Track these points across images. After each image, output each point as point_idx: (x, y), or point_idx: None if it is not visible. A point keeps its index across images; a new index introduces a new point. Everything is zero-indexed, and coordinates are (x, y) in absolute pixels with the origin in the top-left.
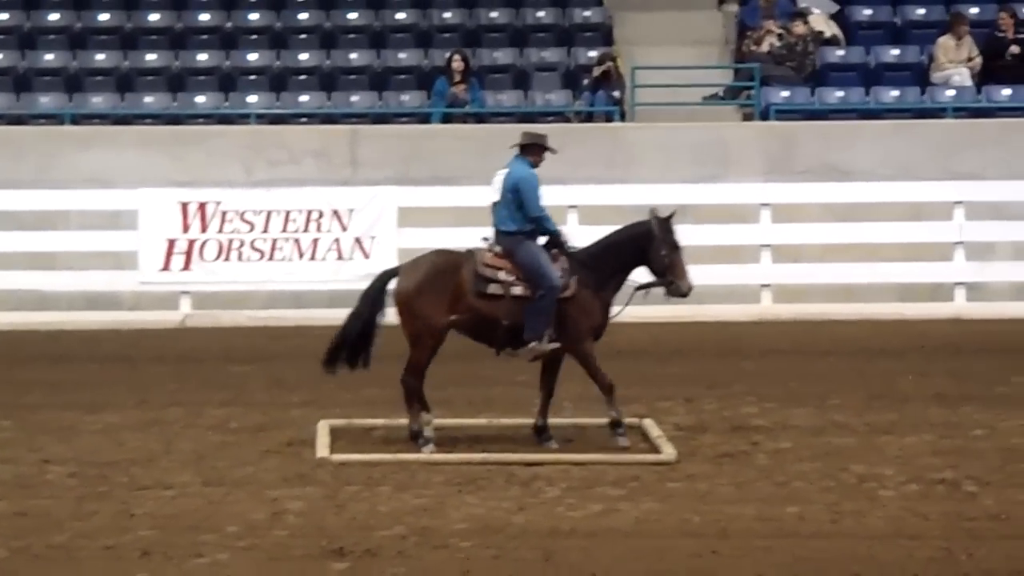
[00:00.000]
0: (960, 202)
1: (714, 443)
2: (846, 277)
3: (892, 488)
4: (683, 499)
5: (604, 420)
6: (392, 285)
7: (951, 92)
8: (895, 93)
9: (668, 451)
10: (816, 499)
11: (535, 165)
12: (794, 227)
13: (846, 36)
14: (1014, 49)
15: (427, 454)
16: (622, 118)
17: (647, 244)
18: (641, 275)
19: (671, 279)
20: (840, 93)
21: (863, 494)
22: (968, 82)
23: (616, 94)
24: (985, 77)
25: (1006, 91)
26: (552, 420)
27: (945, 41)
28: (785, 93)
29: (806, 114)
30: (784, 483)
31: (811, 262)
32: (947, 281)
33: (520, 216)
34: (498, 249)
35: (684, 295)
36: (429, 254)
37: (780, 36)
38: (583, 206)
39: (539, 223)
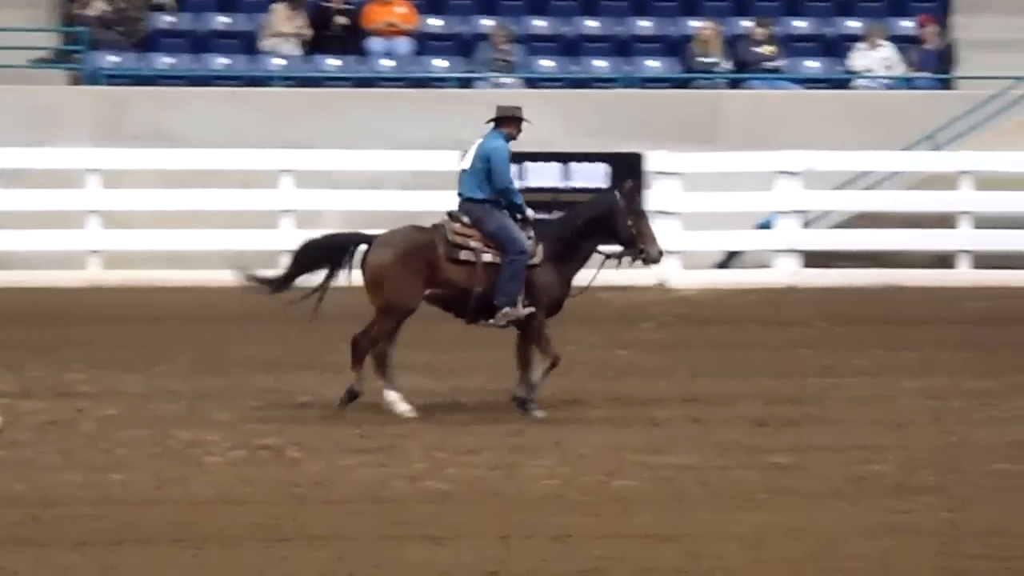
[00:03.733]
0: (289, 170)
1: (39, 410)
2: (176, 244)
3: (218, 454)
4: (7, 467)
5: None
6: (364, 253)
7: (281, 61)
8: (225, 60)
9: None
10: (142, 466)
11: (512, 137)
12: (124, 192)
13: (179, 2)
14: (341, 20)
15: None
16: None
17: (613, 216)
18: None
19: (641, 247)
20: (170, 59)
21: (189, 460)
22: (297, 51)
23: None
24: (314, 47)
25: (334, 61)
26: None
27: (278, 9)
28: (115, 58)
29: (136, 79)
30: (109, 450)
31: (141, 228)
32: (274, 248)
33: (488, 186)
34: (466, 219)
35: (656, 262)
36: (405, 228)
37: (110, 0)
38: None
39: (507, 195)
